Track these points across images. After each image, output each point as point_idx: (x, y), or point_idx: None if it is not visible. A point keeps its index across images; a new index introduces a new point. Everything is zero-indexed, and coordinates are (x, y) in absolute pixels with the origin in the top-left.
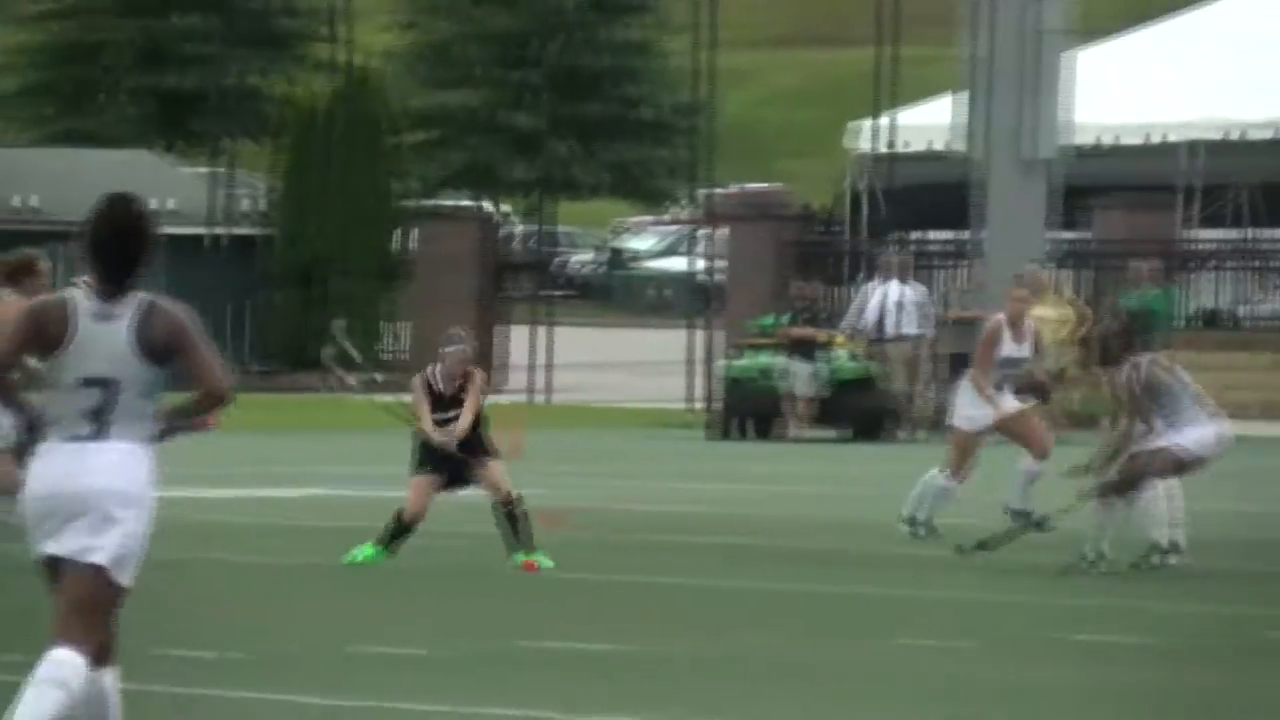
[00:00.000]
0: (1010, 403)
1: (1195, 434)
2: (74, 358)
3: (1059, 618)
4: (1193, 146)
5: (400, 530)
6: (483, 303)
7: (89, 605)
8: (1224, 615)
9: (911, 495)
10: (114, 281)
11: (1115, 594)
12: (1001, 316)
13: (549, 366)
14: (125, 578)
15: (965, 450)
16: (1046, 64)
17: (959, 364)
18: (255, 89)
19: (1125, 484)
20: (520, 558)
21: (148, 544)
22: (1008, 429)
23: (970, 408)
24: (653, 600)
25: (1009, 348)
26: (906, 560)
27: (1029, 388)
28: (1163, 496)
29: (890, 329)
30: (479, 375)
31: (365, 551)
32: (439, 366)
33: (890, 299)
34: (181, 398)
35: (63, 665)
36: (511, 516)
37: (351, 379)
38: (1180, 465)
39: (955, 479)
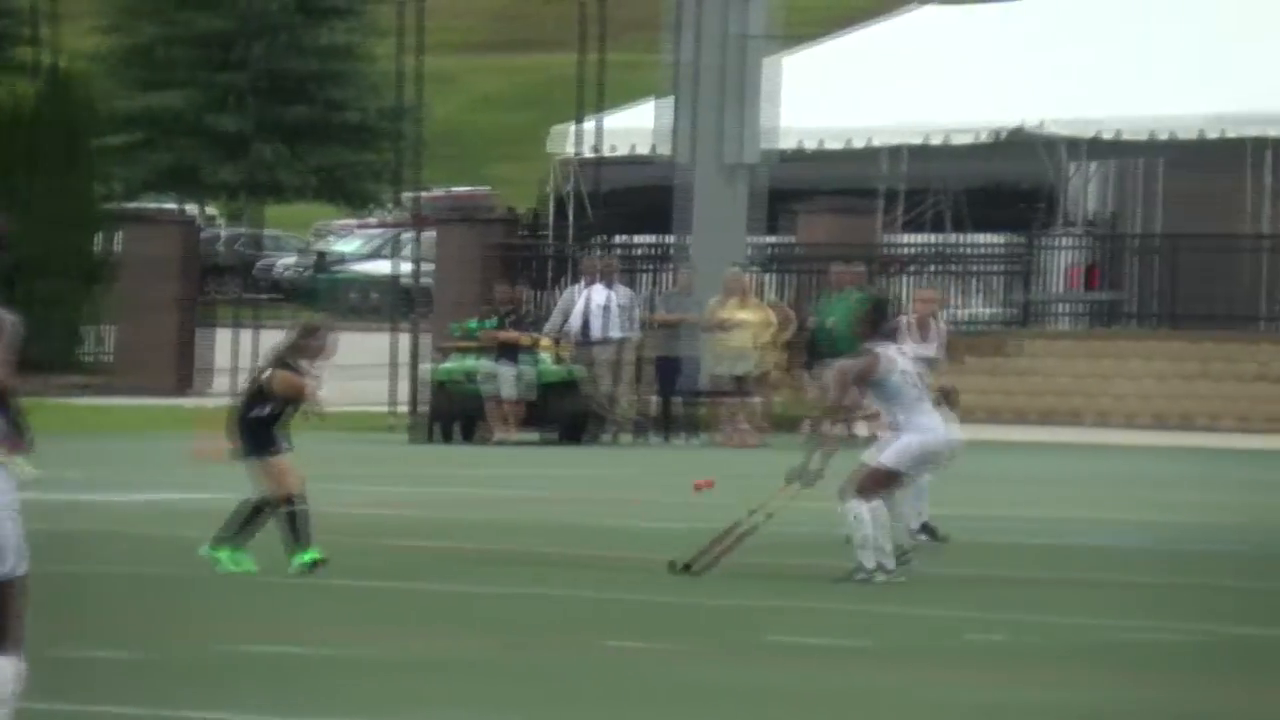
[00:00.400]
0: None
1: (900, 443)
2: None
3: (763, 619)
4: (895, 151)
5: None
6: (186, 305)
7: None
8: (926, 618)
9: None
10: None
11: (819, 596)
12: (903, 318)
13: (253, 369)
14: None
15: None
16: (750, 69)
17: (665, 367)
18: None
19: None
20: (300, 558)
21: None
22: None
23: None
24: (357, 603)
25: (916, 347)
26: (612, 563)
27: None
28: (868, 520)
29: (596, 332)
30: None
31: (306, 557)
32: (301, 360)
33: (595, 302)
34: None
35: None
36: (255, 519)
37: None
38: (881, 481)
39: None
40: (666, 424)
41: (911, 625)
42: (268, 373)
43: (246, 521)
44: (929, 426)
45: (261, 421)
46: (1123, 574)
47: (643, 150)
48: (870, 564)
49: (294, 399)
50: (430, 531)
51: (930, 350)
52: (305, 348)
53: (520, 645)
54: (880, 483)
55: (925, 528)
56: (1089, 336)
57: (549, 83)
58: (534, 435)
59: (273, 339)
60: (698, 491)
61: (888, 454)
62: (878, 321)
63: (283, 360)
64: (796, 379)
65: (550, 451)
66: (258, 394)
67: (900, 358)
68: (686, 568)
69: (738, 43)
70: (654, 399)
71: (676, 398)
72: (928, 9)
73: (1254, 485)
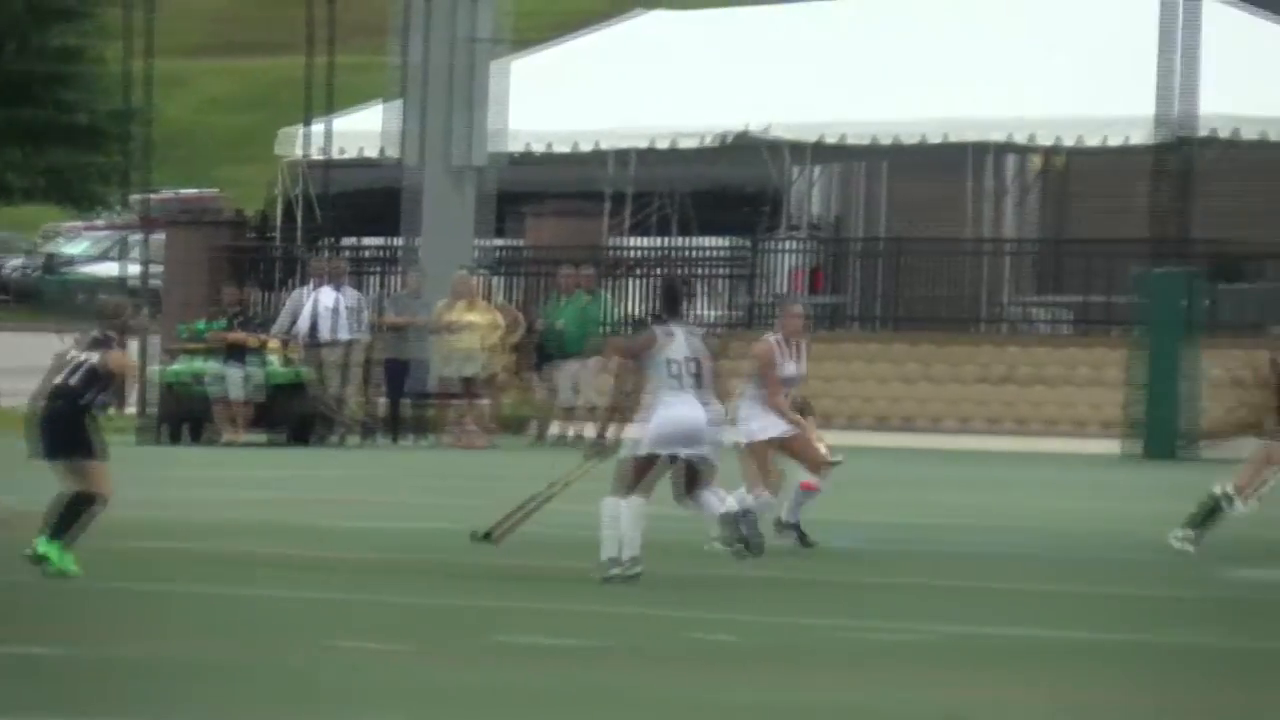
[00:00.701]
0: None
1: (650, 427)
2: None
3: (493, 620)
4: (622, 155)
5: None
6: None
7: None
8: (654, 617)
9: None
10: None
11: (550, 597)
12: (772, 337)
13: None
14: None
15: (763, 462)
16: (478, 72)
17: (393, 369)
18: None
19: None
20: (42, 546)
21: None
22: (786, 446)
23: (755, 420)
24: (92, 603)
25: (788, 367)
26: (340, 563)
27: (797, 406)
28: (625, 517)
29: (324, 334)
30: None
31: (56, 562)
32: (121, 338)
33: (323, 304)
34: None
35: None
36: (77, 513)
37: None
38: (637, 470)
39: (765, 492)
40: (395, 425)
41: (639, 625)
42: (95, 356)
43: (65, 515)
44: (668, 404)
45: (86, 413)
46: (844, 574)
47: (371, 153)
48: (603, 555)
49: (123, 376)
50: (160, 533)
51: (792, 369)
52: (127, 326)
53: (252, 646)
54: (636, 472)
55: (793, 527)
56: (812, 339)
57: (278, 85)
58: (262, 436)
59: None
60: (807, 491)
61: (643, 443)
62: (667, 302)
63: (105, 341)
64: (524, 381)
65: (278, 452)
66: (91, 379)
67: (677, 344)
68: (486, 536)
69: (466, 46)
70: (382, 401)
71: (405, 399)
72: (654, 14)
73: (975, 486)
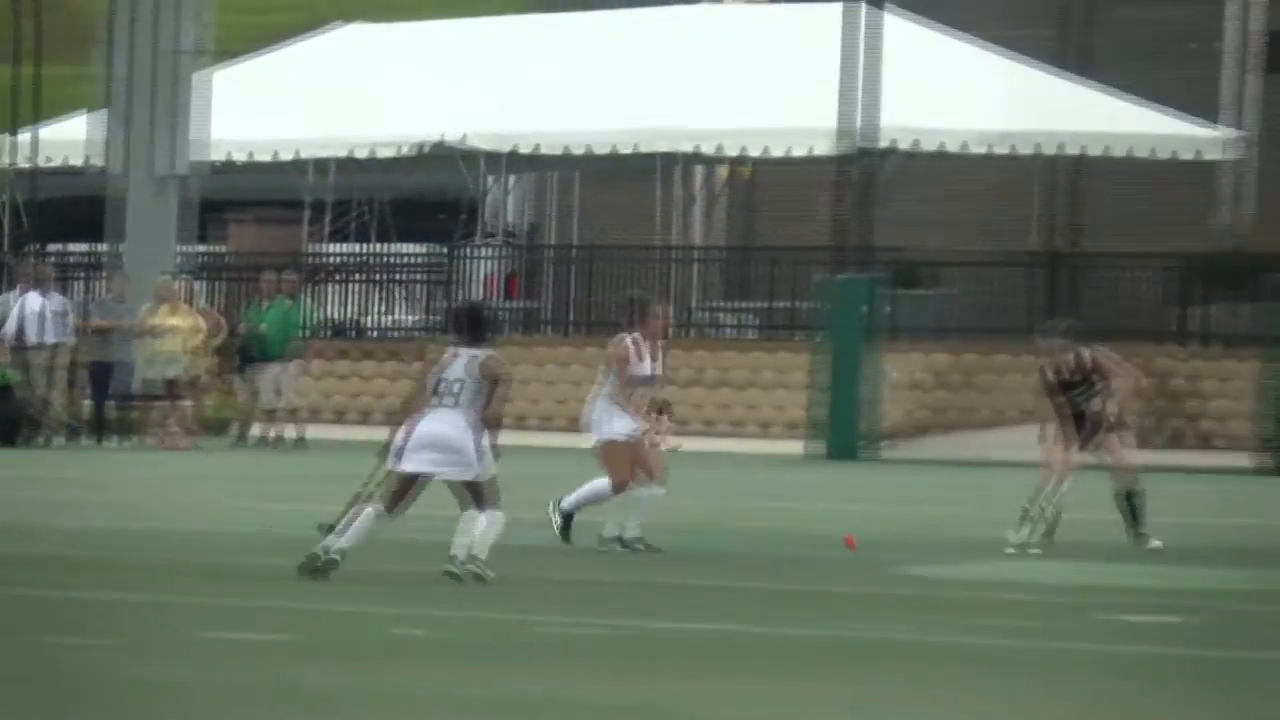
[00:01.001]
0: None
1: (408, 439)
2: None
3: (193, 616)
4: (321, 164)
5: None
6: None
7: None
8: (354, 614)
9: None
10: None
11: (249, 594)
12: (628, 337)
13: None
14: None
15: (621, 461)
16: (181, 83)
17: (98, 372)
18: None
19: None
20: None
21: None
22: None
23: (617, 420)
24: None
25: (644, 366)
26: (51, 561)
27: (655, 406)
28: (359, 521)
29: (31, 337)
30: None
31: None
32: None
33: (30, 308)
34: None
35: None
36: None
37: None
38: (400, 485)
39: (616, 490)
40: (100, 427)
41: (339, 621)
42: None
43: None
44: (424, 418)
45: None
46: (540, 571)
47: (76, 161)
48: (320, 555)
49: None
50: None
51: (648, 368)
52: None
53: None
54: (398, 486)
55: (621, 540)
56: (508, 343)
57: None
58: None
59: None
60: (850, 546)
61: (401, 461)
62: (466, 328)
63: None
64: (226, 383)
65: None
66: None
67: (455, 365)
68: (331, 528)
69: (169, 57)
70: (87, 403)
71: (109, 401)
72: (352, 26)
73: (682, 486)
